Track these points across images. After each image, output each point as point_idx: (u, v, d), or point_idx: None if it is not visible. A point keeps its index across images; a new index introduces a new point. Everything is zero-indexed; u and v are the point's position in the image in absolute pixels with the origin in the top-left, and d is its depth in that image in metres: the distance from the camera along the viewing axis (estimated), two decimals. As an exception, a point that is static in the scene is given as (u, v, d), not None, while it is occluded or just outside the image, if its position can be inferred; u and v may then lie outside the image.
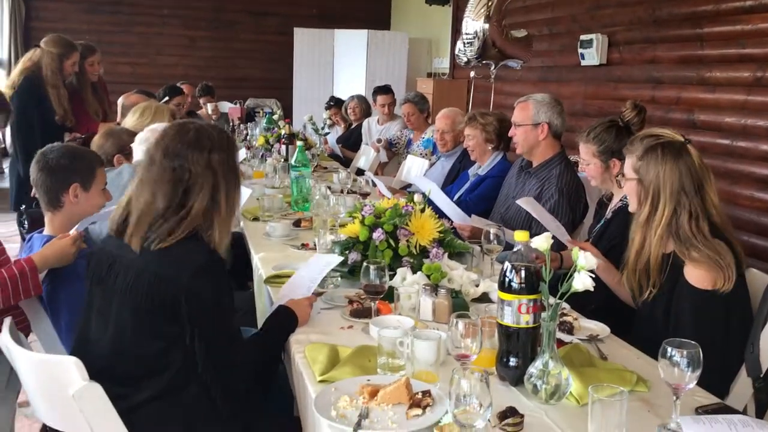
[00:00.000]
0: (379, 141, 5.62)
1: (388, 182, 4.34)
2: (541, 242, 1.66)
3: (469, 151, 3.93)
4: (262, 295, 2.63)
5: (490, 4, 4.53)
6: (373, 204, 2.54)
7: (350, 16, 9.68)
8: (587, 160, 2.73)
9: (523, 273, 1.66)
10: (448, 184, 4.19)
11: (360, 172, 5.32)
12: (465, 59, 5.23)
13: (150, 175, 1.84)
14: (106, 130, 3.34)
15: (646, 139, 2.14)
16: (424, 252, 2.40)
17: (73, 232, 2.19)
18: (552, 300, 1.65)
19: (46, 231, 2.31)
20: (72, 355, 1.85)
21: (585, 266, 1.60)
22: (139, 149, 2.94)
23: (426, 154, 5.21)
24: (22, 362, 1.74)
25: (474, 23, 4.57)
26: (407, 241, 2.40)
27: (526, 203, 2.61)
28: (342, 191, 3.97)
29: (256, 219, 3.42)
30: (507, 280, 1.67)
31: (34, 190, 4.28)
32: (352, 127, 6.67)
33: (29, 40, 8.88)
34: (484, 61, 4.79)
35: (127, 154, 3.15)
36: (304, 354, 1.87)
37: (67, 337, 2.18)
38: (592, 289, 1.60)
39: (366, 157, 5.69)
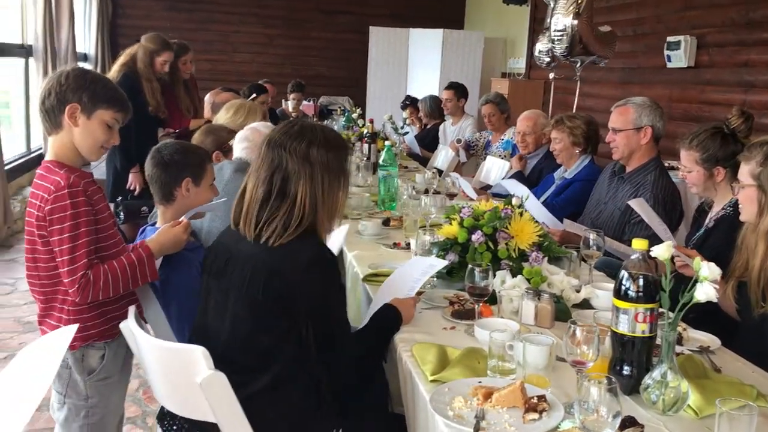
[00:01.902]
0: (458, 141, 5.62)
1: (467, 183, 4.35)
2: (662, 251, 1.64)
3: (555, 155, 3.89)
4: (357, 292, 2.68)
5: (580, 1, 4.48)
6: (471, 206, 2.55)
7: (425, 15, 9.70)
8: (689, 167, 2.67)
9: (641, 281, 1.65)
10: (531, 187, 4.17)
11: (438, 172, 5.34)
12: (547, 59, 5.18)
13: (255, 165, 1.93)
14: (206, 127, 3.45)
15: (766, 145, 2.09)
16: (522, 255, 2.41)
17: (183, 219, 2.28)
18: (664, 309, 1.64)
19: (159, 224, 2.40)
20: (190, 343, 1.94)
21: (708, 276, 1.57)
22: (239, 147, 3.03)
23: (505, 156, 5.18)
24: (147, 349, 1.82)
25: (564, 19, 4.53)
26: (506, 244, 2.40)
27: (637, 204, 2.57)
28: (427, 191, 3.99)
29: (344, 216, 3.47)
30: (624, 287, 1.66)
31: (129, 183, 4.46)
32: (428, 127, 6.70)
33: (115, 36, 9.24)
34: (571, 59, 4.75)
35: (226, 151, 3.25)
36: (412, 353, 1.90)
37: (178, 325, 2.27)
38: (715, 300, 1.57)
39: (444, 156, 5.70)
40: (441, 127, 6.41)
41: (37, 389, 1.34)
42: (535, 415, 1.55)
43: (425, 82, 8.37)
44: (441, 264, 2.25)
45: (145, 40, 4.60)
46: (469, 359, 1.83)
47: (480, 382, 1.70)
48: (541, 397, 1.59)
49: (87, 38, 8.70)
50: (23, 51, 6.90)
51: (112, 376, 2.17)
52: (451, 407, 1.60)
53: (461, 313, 2.16)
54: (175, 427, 1.92)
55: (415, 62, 9.00)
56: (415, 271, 2.26)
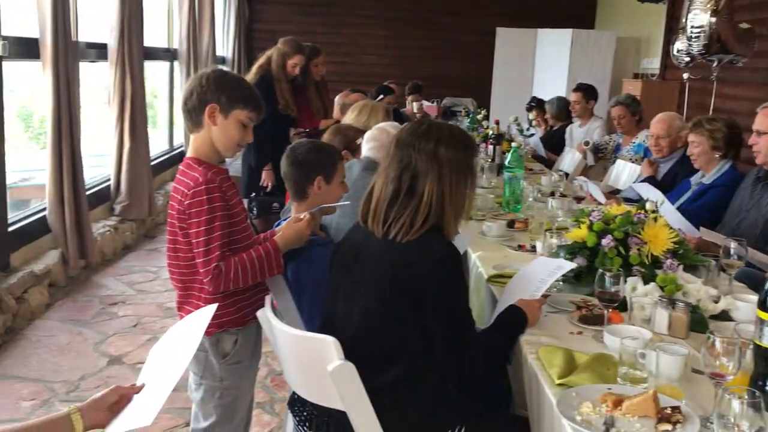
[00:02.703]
0: (586, 144, 5.47)
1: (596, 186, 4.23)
2: (815, 262, 1.54)
3: (693, 159, 3.71)
4: (480, 293, 2.69)
5: (719, -1, 4.27)
6: (602, 210, 2.49)
7: (553, 15, 9.49)
8: None
9: (790, 293, 1.55)
10: (664, 193, 3.99)
11: (564, 174, 5.23)
12: (687, 59, 4.95)
13: (384, 164, 1.99)
14: (334, 127, 3.57)
15: None
16: (655, 262, 2.32)
17: (306, 215, 2.36)
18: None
19: (293, 219, 2.51)
20: None
21: None
22: (366, 146, 3.11)
23: (636, 159, 4.99)
24: (282, 336, 1.91)
25: (702, 16, 4.32)
26: (638, 249, 2.33)
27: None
28: (553, 194, 3.92)
29: (468, 217, 3.47)
30: (770, 299, 1.57)
31: (262, 180, 4.68)
32: (554, 129, 6.57)
33: (251, 40, 9.71)
34: (708, 57, 4.51)
35: (353, 150, 3.35)
36: (538, 356, 1.89)
37: (309, 317, 2.36)
38: None
39: (570, 159, 5.57)
40: (568, 130, 6.27)
41: (184, 356, 1.49)
42: (669, 426, 1.50)
43: (552, 83, 8.19)
44: (569, 266, 2.21)
45: (281, 44, 4.82)
46: (598, 365, 1.79)
47: (609, 389, 1.66)
48: (676, 408, 1.54)
49: (225, 42, 9.21)
50: (169, 55, 7.41)
51: (244, 360, 2.30)
52: (579, 412, 1.58)
53: (589, 318, 2.12)
54: (305, 413, 2.01)
55: (542, 63, 8.83)
56: (542, 271, 2.23)
